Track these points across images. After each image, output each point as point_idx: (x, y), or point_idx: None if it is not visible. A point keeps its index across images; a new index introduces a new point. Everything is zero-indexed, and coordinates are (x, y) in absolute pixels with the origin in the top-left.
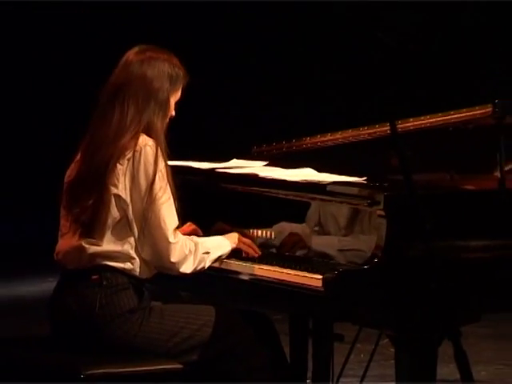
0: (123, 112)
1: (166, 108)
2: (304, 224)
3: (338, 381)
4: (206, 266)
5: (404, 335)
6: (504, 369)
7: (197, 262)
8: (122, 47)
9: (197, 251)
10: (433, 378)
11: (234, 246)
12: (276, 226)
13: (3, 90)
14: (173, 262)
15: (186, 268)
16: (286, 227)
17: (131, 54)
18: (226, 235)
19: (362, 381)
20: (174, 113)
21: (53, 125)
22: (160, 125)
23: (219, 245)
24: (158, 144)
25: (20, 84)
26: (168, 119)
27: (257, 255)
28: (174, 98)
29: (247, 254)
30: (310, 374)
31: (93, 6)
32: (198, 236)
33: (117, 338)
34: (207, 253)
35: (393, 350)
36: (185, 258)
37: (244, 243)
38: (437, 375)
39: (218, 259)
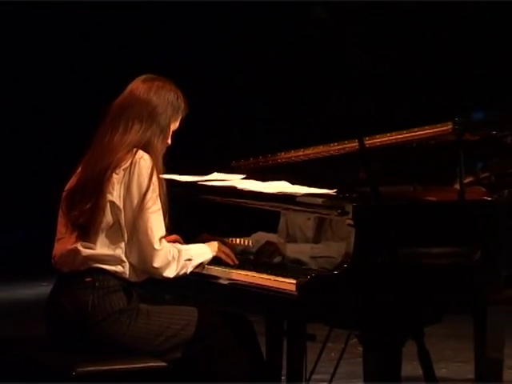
0: (126, 129)
1: (166, 132)
2: (277, 234)
3: (310, 377)
4: (188, 272)
5: (371, 335)
6: (463, 366)
7: (179, 267)
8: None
9: (180, 258)
10: (398, 375)
11: (214, 254)
12: (254, 235)
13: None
14: (156, 267)
15: (169, 273)
16: (263, 236)
17: (139, 81)
18: (208, 243)
19: (332, 377)
20: (170, 141)
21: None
22: (159, 146)
23: (201, 253)
24: (153, 160)
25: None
26: (166, 144)
27: (233, 264)
28: (174, 125)
29: (226, 261)
30: (284, 371)
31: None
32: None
33: (107, 337)
34: (189, 260)
35: (361, 348)
36: (168, 264)
37: (223, 252)
38: (401, 372)
39: (200, 266)
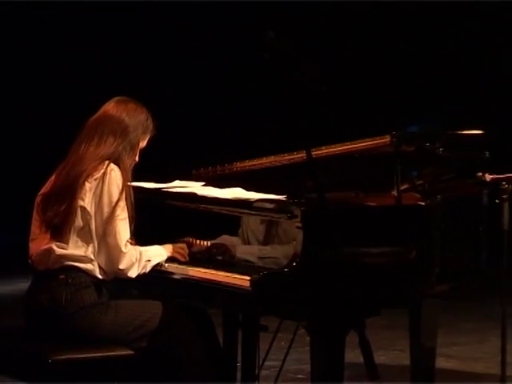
0: (100, 143)
1: (135, 149)
2: (237, 237)
3: (263, 364)
4: (147, 271)
5: (317, 326)
6: (400, 354)
7: (141, 268)
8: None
9: (141, 259)
10: (341, 362)
11: (170, 254)
12: (219, 238)
13: None
14: (121, 269)
15: (132, 273)
16: (226, 239)
17: (114, 102)
18: (164, 245)
19: (283, 364)
20: (137, 159)
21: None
22: (128, 161)
23: (158, 254)
24: (122, 173)
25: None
26: (134, 160)
27: (184, 260)
28: (142, 143)
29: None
30: (239, 359)
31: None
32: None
33: (80, 328)
34: (149, 260)
35: (308, 338)
36: (132, 265)
37: (177, 252)
38: (344, 359)
39: (157, 265)
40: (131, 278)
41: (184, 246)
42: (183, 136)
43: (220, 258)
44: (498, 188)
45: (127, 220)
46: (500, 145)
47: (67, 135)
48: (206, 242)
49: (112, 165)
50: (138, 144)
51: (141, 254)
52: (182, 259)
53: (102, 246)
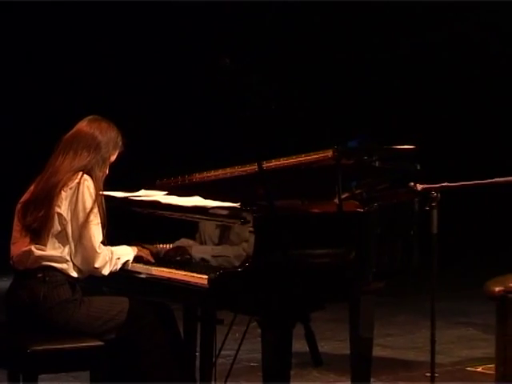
0: (75, 156)
1: (106, 162)
2: (195, 241)
3: (219, 354)
4: (118, 268)
5: (268, 320)
6: (340, 343)
7: (112, 265)
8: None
9: (112, 258)
10: (289, 351)
11: (135, 253)
12: (177, 242)
13: None
14: (97, 267)
15: (106, 271)
16: (185, 242)
17: (87, 120)
18: (131, 246)
19: (237, 353)
20: (107, 171)
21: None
22: (99, 173)
23: (126, 253)
24: (95, 183)
25: None
26: (104, 172)
27: (151, 262)
28: (112, 158)
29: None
30: (198, 349)
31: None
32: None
33: (56, 322)
34: (118, 259)
35: (259, 330)
36: (105, 264)
37: (143, 252)
38: (292, 348)
39: (126, 263)
40: (104, 275)
41: (148, 251)
42: (148, 150)
43: (178, 258)
44: (428, 196)
45: (100, 225)
46: (429, 158)
47: (45, 149)
48: (168, 246)
49: (85, 176)
50: (109, 158)
51: (112, 254)
52: (149, 258)
53: (79, 247)
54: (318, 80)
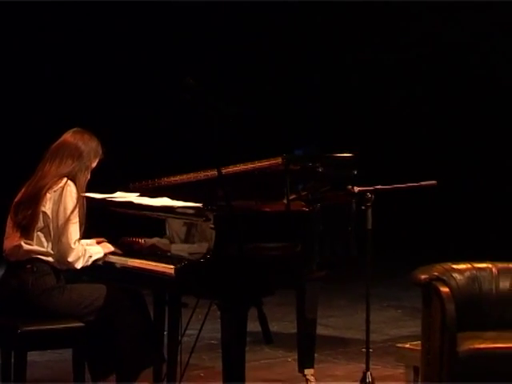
0: (61, 163)
1: (88, 169)
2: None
3: (184, 332)
4: (89, 264)
5: (226, 304)
6: (288, 324)
7: (84, 261)
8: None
9: (85, 255)
10: (244, 330)
11: (106, 251)
12: (153, 239)
13: None
14: (70, 261)
15: (78, 265)
16: (160, 241)
17: (71, 132)
18: (101, 244)
19: (199, 332)
20: (89, 176)
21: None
22: (82, 178)
23: (97, 252)
24: (77, 187)
25: None
26: (86, 178)
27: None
28: (93, 164)
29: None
30: (166, 328)
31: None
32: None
33: (43, 306)
34: (90, 256)
35: (219, 312)
36: (78, 259)
37: (109, 249)
38: (247, 328)
39: (96, 260)
40: (76, 269)
41: (114, 246)
42: (123, 157)
43: (159, 253)
44: (364, 197)
45: (78, 224)
46: (365, 165)
47: (35, 156)
48: (141, 240)
49: (69, 181)
50: (90, 165)
51: (85, 251)
52: (118, 251)
53: (57, 242)
54: (269, 95)
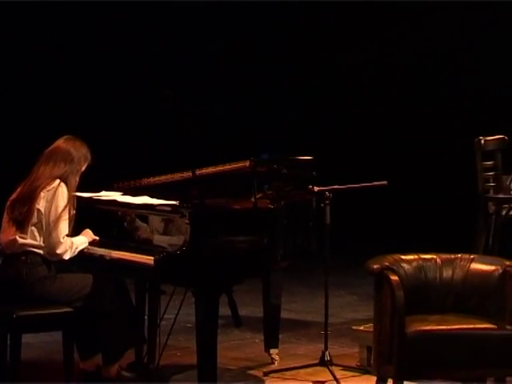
0: (54, 166)
1: (78, 172)
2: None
3: (162, 317)
4: (75, 254)
5: (199, 291)
6: (256, 309)
7: (71, 252)
8: None
9: (72, 246)
10: (216, 315)
11: (90, 240)
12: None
13: None
14: (58, 253)
15: (66, 256)
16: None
17: (63, 139)
18: (84, 234)
19: (176, 316)
20: (78, 179)
21: None
22: (73, 180)
23: (82, 242)
24: (68, 188)
25: None
26: (76, 181)
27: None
28: (83, 168)
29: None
30: (147, 314)
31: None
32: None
33: (36, 293)
34: (77, 247)
35: (194, 299)
36: (66, 251)
37: (91, 237)
38: (219, 313)
39: (82, 250)
40: (64, 260)
41: (96, 237)
42: (108, 159)
43: (144, 245)
44: (323, 196)
45: (67, 221)
46: (323, 166)
47: (29, 160)
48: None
49: (61, 183)
50: (81, 169)
51: (72, 244)
52: (96, 239)
53: (48, 237)
54: (239, 104)
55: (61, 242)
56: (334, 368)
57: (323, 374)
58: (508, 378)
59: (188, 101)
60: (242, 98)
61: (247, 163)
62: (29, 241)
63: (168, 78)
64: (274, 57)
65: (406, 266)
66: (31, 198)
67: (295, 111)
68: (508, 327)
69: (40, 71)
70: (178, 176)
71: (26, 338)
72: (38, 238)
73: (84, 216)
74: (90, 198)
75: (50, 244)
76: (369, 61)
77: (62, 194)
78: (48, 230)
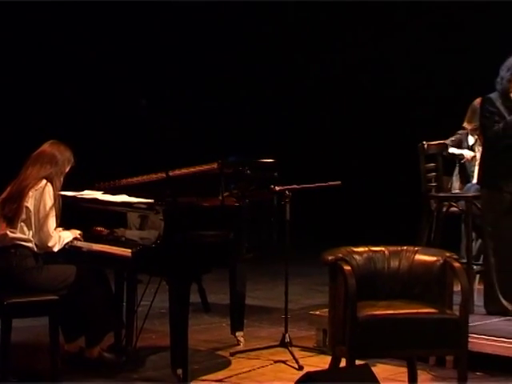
0: (41, 168)
1: (63, 173)
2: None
3: (139, 303)
4: (62, 247)
5: (172, 280)
6: (224, 296)
7: (60, 245)
8: None
9: (60, 240)
10: (187, 301)
11: (74, 236)
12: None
13: None
14: (49, 246)
15: (55, 248)
16: (121, 230)
17: (49, 143)
18: (71, 231)
19: (151, 303)
20: (62, 179)
21: None
22: (58, 180)
23: (68, 236)
24: (53, 187)
25: None
26: (60, 181)
27: (79, 238)
28: (66, 170)
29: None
30: (125, 300)
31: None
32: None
33: (25, 283)
34: (63, 241)
35: (167, 287)
36: (55, 244)
37: (75, 234)
38: (190, 299)
39: (68, 243)
40: (53, 252)
41: (81, 232)
42: (89, 161)
43: (122, 239)
44: (283, 195)
45: (54, 217)
46: (284, 168)
47: (17, 162)
48: (105, 230)
49: (48, 183)
50: (65, 170)
51: (60, 237)
52: (80, 238)
53: (39, 232)
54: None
55: (51, 236)
56: (293, 349)
57: (283, 354)
58: (448, 358)
59: (161, 109)
60: (208, 106)
61: (215, 165)
62: (18, 235)
63: (144, 87)
64: (235, 65)
65: (357, 257)
66: (20, 196)
67: (260, 117)
68: (448, 311)
69: (25, 80)
70: (152, 177)
71: (16, 323)
72: (26, 232)
73: (68, 212)
74: (74, 196)
75: (42, 238)
76: (326, 67)
77: (49, 193)
78: (38, 226)
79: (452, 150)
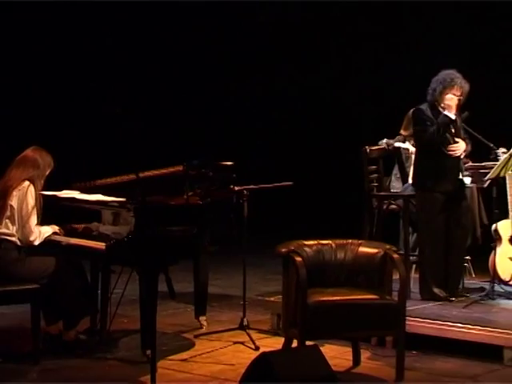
0: (24, 171)
1: (44, 176)
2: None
3: (113, 291)
4: (42, 241)
5: (142, 269)
6: (188, 284)
7: (40, 239)
8: None
9: (40, 234)
10: (155, 290)
11: (53, 230)
12: (91, 224)
13: None
14: (31, 240)
15: (36, 242)
16: (94, 224)
17: (32, 149)
18: (51, 226)
19: (124, 291)
20: (43, 181)
21: None
22: (39, 182)
23: (47, 231)
24: (35, 188)
25: None
26: (41, 183)
27: (60, 233)
28: (47, 172)
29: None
30: (99, 288)
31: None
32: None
33: (9, 273)
34: (43, 235)
35: (138, 276)
36: (36, 238)
37: (54, 229)
38: (158, 288)
39: (47, 237)
40: (34, 245)
41: (60, 228)
42: (67, 164)
43: (95, 233)
44: (241, 194)
45: (36, 215)
46: (242, 169)
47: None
48: (81, 226)
49: (30, 184)
50: (45, 173)
51: (40, 232)
52: (60, 233)
53: (22, 227)
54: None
55: (32, 232)
56: (250, 331)
57: (242, 336)
58: (387, 338)
59: (132, 116)
60: (175, 114)
61: (180, 167)
62: (3, 230)
63: (116, 95)
64: (197, 73)
65: (307, 249)
66: (5, 195)
67: (221, 123)
68: (387, 297)
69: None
70: (124, 178)
71: (1, 309)
72: (11, 228)
73: (49, 210)
74: (54, 195)
75: (24, 234)
76: (277, 71)
77: (31, 193)
78: (21, 223)
79: (398, 144)
